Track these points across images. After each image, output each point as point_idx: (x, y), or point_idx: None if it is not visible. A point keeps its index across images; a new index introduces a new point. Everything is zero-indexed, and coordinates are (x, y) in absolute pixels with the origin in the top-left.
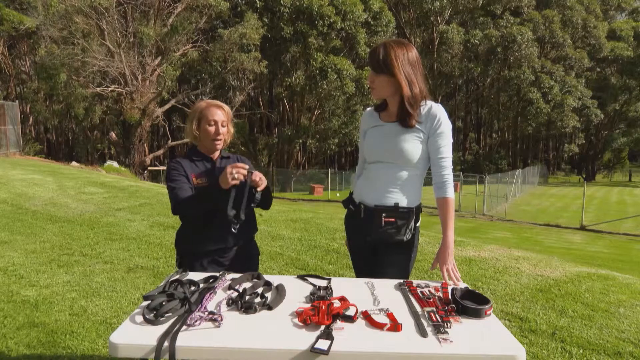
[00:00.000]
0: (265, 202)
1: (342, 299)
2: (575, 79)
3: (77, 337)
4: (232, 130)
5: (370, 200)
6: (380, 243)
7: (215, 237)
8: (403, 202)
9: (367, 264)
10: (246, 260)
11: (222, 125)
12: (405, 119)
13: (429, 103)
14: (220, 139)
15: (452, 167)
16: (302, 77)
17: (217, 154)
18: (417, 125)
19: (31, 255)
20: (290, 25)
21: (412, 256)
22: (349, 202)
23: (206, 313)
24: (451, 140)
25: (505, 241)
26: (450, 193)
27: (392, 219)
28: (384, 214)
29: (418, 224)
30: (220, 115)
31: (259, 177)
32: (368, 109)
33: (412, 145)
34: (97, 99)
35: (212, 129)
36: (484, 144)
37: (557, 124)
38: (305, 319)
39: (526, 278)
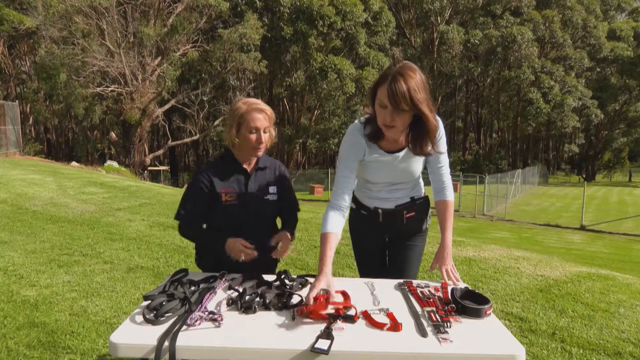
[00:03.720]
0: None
1: (344, 293)
2: (575, 79)
3: (77, 337)
4: (274, 133)
5: (387, 204)
6: (401, 236)
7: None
8: (416, 194)
9: (380, 262)
10: (266, 266)
11: (264, 132)
12: (422, 148)
13: None
14: (262, 148)
15: (449, 170)
16: (302, 77)
17: (253, 162)
18: None
19: (31, 255)
20: (290, 25)
21: (425, 239)
22: (359, 207)
23: (206, 313)
24: (446, 147)
25: (505, 241)
26: (451, 196)
27: (413, 213)
28: (405, 211)
29: (430, 211)
30: (263, 121)
31: (280, 254)
32: (356, 129)
33: (419, 164)
34: (97, 99)
35: (253, 137)
36: (484, 144)
37: (557, 124)
38: (302, 310)
39: (526, 278)
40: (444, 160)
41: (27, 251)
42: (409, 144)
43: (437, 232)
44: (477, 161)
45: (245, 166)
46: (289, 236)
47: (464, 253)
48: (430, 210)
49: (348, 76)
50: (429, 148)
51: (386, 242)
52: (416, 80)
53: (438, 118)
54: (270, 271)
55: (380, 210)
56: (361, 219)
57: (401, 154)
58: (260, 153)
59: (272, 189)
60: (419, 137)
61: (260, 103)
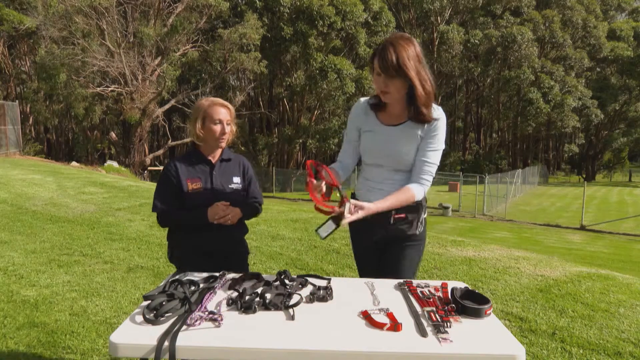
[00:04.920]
0: (247, 217)
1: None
2: (575, 79)
3: (77, 337)
4: (234, 129)
5: (377, 199)
6: (392, 239)
7: (206, 237)
8: None
9: (375, 262)
10: (236, 258)
11: (227, 124)
12: (419, 118)
13: (433, 105)
14: (225, 139)
15: (433, 175)
16: (302, 77)
17: (217, 154)
18: (418, 130)
19: (31, 255)
20: (290, 25)
21: (421, 249)
22: None
23: (206, 313)
24: (442, 147)
25: (505, 241)
26: (416, 189)
27: (402, 215)
28: (393, 211)
29: (425, 216)
30: (225, 114)
31: (222, 217)
32: (361, 101)
33: (412, 147)
34: (97, 99)
35: (217, 127)
36: (484, 144)
37: (557, 124)
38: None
39: (526, 278)
40: (431, 156)
41: (27, 251)
42: (409, 111)
43: (437, 231)
44: (477, 161)
45: (210, 158)
46: (239, 210)
47: (464, 253)
48: (424, 215)
49: (348, 76)
50: (424, 114)
51: (377, 244)
52: (406, 49)
53: (441, 110)
54: (241, 258)
55: None
56: None
57: (397, 129)
58: (223, 144)
59: (236, 179)
60: (413, 102)
61: (222, 100)
